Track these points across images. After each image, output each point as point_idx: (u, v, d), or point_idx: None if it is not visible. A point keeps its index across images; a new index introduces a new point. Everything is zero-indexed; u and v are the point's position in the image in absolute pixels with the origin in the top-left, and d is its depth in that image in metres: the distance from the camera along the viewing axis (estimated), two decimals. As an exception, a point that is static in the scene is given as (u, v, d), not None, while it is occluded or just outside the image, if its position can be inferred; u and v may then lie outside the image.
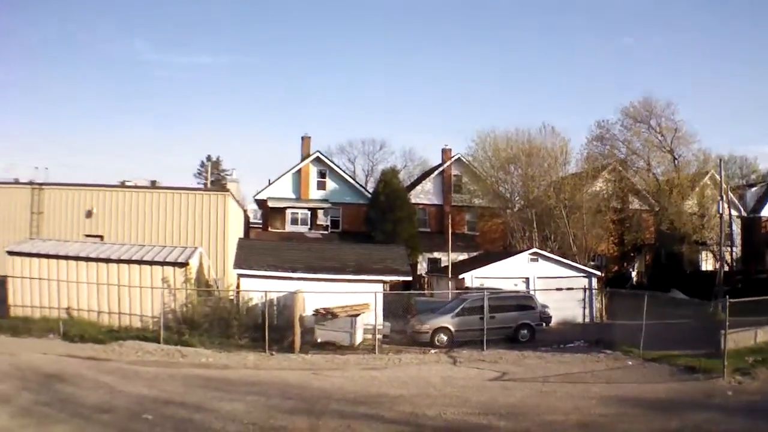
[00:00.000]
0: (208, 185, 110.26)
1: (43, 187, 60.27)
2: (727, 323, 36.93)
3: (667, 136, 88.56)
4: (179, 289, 43.17)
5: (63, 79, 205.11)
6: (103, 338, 39.66)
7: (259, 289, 44.35)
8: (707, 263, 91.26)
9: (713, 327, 39.45)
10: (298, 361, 38.26)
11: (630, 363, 39.82)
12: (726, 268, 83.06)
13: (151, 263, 44.12)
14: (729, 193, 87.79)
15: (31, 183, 61.39)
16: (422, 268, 79.99)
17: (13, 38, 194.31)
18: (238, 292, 45.84)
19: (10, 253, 45.00)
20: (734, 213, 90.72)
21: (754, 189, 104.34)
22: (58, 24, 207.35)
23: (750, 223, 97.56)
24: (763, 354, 38.68)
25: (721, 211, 68.07)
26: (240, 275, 47.01)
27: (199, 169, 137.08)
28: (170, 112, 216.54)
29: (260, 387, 30.46)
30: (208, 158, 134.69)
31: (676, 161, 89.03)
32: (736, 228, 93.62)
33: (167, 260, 44.39)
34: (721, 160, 78.35)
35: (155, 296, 42.62)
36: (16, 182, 64.05)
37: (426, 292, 60.60)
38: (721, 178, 70.81)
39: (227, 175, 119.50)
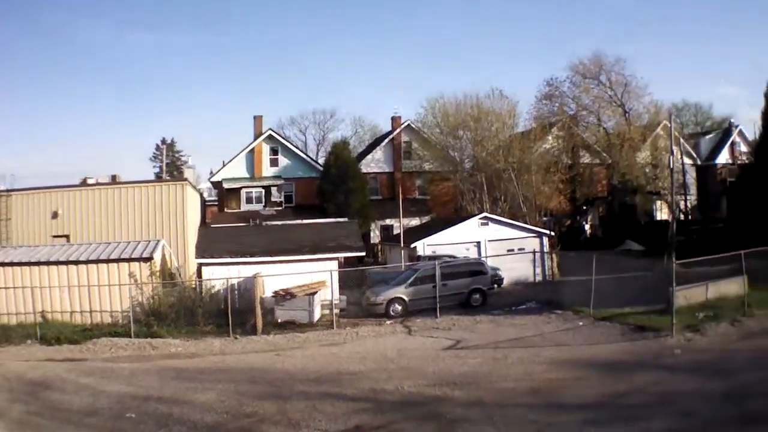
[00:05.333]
0: (164, 168, 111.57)
1: (11, 193, 61.00)
2: (674, 282, 38.04)
3: (617, 90, 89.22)
4: (146, 283, 44.46)
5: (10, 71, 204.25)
6: (78, 338, 40.93)
7: (220, 275, 46.21)
8: (662, 213, 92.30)
9: (666, 281, 39.52)
10: (261, 343, 40.07)
11: (581, 323, 41.03)
12: (681, 218, 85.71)
13: (118, 261, 45.48)
14: (683, 142, 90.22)
15: None
16: (375, 236, 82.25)
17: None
18: (200, 281, 47.06)
19: None
20: (689, 162, 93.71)
21: (708, 137, 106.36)
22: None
23: (705, 171, 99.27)
24: (714, 309, 39.77)
25: (671, 166, 68.21)
26: (201, 264, 48.57)
27: (155, 153, 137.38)
28: (122, 95, 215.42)
29: (229, 374, 31.75)
30: (163, 141, 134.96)
31: (627, 115, 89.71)
32: (691, 176, 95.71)
33: (132, 256, 45.85)
34: (671, 115, 79.06)
35: (123, 292, 43.95)
36: None
37: (379, 267, 61.79)
38: (671, 133, 70.75)
39: (182, 156, 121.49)
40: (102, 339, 40.51)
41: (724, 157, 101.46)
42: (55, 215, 59.83)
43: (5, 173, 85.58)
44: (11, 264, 45.94)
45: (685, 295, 40.65)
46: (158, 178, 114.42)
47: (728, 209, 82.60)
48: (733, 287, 42.53)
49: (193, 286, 47.17)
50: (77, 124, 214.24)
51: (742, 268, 41.33)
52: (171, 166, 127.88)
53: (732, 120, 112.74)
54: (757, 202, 51.05)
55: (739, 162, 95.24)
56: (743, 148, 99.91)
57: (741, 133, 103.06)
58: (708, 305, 40.66)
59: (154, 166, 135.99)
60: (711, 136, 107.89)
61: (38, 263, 45.89)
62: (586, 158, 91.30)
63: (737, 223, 57.09)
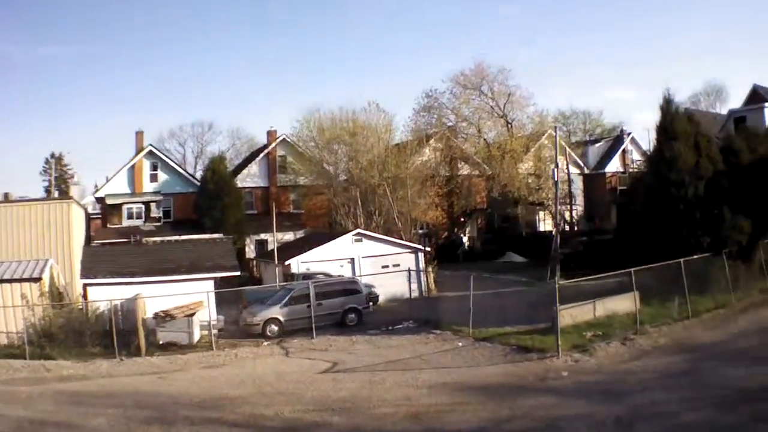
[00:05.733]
0: (53, 182, 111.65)
1: None
2: (558, 301, 38.19)
3: (499, 101, 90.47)
4: (35, 304, 44.33)
5: None
6: None
7: (105, 295, 46.70)
8: (546, 223, 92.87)
9: (551, 298, 39.41)
10: (146, 365, 40.56)
11: (460, 344, 41.45)
12: (567, 228, 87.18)
13: (10, 281, 45.12)
14: (569, 151, 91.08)
15: None
16: (251, 251, 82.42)
17: None
18: (86, 302, 47.33)
19: None
20: (576, 171, 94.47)
21: (597, 145, 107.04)
22: None
23: (594, 180, 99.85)
24: (604, 328, 40.59)
25: (556, 178, 68.72)
26: (86, 284, 48.94)
27: (44, 167, 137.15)
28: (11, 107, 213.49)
29: (117, 398, 32.13)
30: (52, 155, 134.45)
31: (509, 125, 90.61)
32: (578, 186, 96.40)
33: (23, 276, 45.64)
34: (556, 128, 78.34)
35: (17, 313, 44.04)
36: None
37: (255, 286, 61.49)
38: (557, 143, 71.66)
39: (70, 170, 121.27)
40: None
41: (615, 165, 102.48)
42: None
43: None
44: None
45: (572, 314, 40.85)
46: (47, 192, 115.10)
47: (618, 219, 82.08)
48: (623, 304, 43.13)
49: (80, 307, 47.12)
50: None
51: (633, 284, 41.90)
52: (59, 180, 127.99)
53: (624, 128, 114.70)
54: (648, 214, 50.91)
55: (631, 170, 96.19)
56: (636, 156, 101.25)
57: (634, 141, 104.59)
58: (597, 324, 41.35)
59: (43, 180, 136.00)
60: (600, 144, 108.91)
61: None
62: (465, 170, 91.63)
63: (627, 235, 56.63)
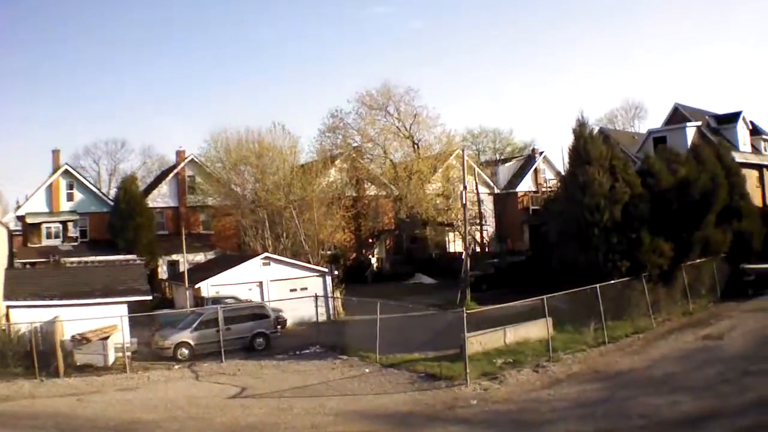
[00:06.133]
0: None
1: None
2: (465, 328, 37.98)
3: (406, 121, 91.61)
4: None
5: None
6: None
7: (27, 317, 46.87)
8: (456, 244, 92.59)
9: (460, 324, 38.73)
10: (64, 387, 41.03)
11: (367, 370, 41.82)
12: (478, 250, 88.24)
13: None
14: (478, 171, 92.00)
15: None
16: (163, 272, 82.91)
17: None
18: (8, 324, 47.40)
19: None
20: (485, 190, 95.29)
21: (508, 164, 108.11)
22: None
23: (504, 200, 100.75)
24: (514, 355, 41.11)
25: (464, 201, 69.45)
26: (9, 306, 48.93)
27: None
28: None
29: (39, 420, 33.00)
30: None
31: (416, 146, 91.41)
32: (489, 206, 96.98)
33: None
34: (464, 150, 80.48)
35: None
36: None
37: (166, 310, 61.31)
38: (464, 168, 72.71)
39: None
40: None
41: (527, 185, 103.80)
42: None
43: None
44: None
45: (481, 341, 41.54)
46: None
47: (531, 240, 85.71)
48: (536, 330, 44.06)
49: (3, 328, 47.38)
50: None
51: (545, 310, 42.37)
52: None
53: (535, 146, 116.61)
54: (562, 238, 52.10)
55: (544, 189, 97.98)
56: (549, 174, 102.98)
57: (546, 160, 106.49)
58: (508, 351, 41.93)
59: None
60: (511, 163, 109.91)
61: None
62: (372, 191, 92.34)
63: (541, 257, 58.13)
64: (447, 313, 50.18)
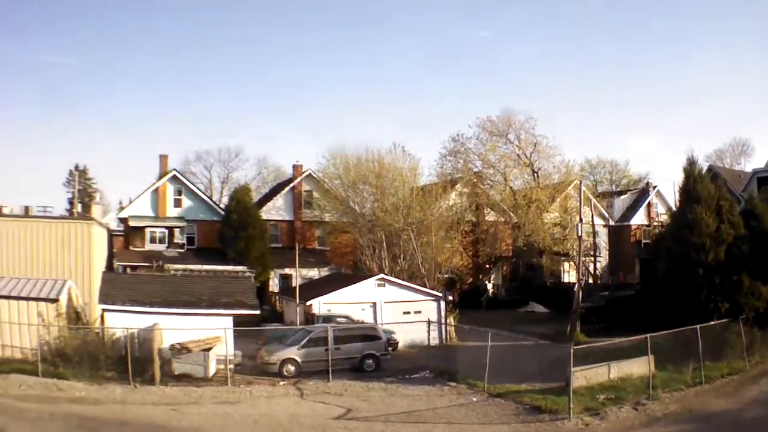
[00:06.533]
0: (76, 195, 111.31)
1: None
2: (572, 363, 37.19)
3: (526, 149, 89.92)
4: (52, 324, 44.24)
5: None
6: None
7: (122, 322, 45.88)
8: (570, 274, 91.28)
9: (567, 356, 37.96)
10: (159, 395, 40.03)
11: (474, 399, 40.64)
12: (590, 281, 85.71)
13: (26, 299, 45.31)
14: (595, 202, 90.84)
15: None
16: (274, 284, 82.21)
17: None
18: (103, 327, 47.13)
19: None
20: (601, 222, 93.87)
21: (623, 196, 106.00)
22: None
23: (619, 232, 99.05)
24: (616, 391, 39.74)
25: (579, 234, 68.31)
26: (104, 310, 48.36)
27: (68, 178, 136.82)
28: (41, 114, 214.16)
29: (129, 428, 32.52)
30: (76, 167, 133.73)
31: (536, 174, 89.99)
32: (603, 237, 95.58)
33: (39, 296, 45.74)
34: (581, 183, 76.52)
35: (32, 330, 43.99)
36: None
37: (275, 325, 60.81)
38: (580, 201, 70.62)
39: (94, 184, 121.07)
40: (12, 375, 40.46)
41: (640, 218, 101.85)
42: None
43: None
44: None
45: (586, 375, 40.33)
46: (70, 204, 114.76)
47: (641, 275, 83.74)
48: (638, 367, 42.40)
49: (97, 331, 47.31)
50: None
51: (648, 348, 40.92)
52: (83, 193, 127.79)
53: (649, 180, 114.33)
54: (669, 276, 51.31)
55: (655, 224, 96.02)
56: (661, 209, 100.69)
57: (659, 194, 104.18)
58: (610, 386, 40.59)
59: (66, 192, 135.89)
60: (626, 196, 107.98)
61: None
62: (491, 216, 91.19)
63: (649, 294, 57.09)
64: (555, 347, 50.32)
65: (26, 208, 68.00)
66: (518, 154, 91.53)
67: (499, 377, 42.47)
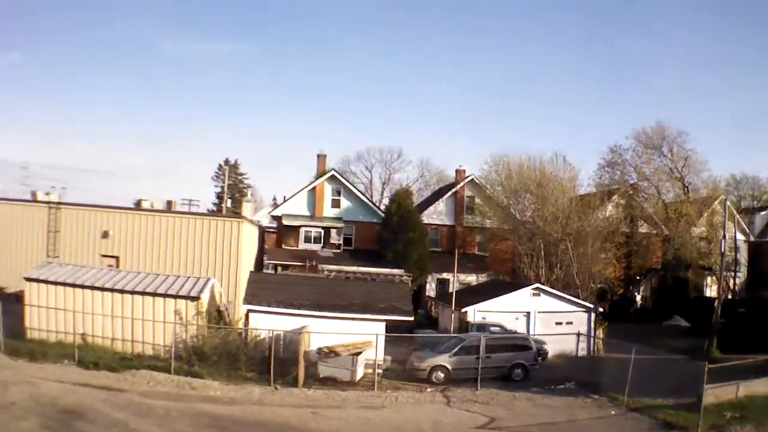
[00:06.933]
0: (225, 189, 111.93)
1: (60, 206, 61.51)
2: (705, 383, 36.40)
3: (678, 163, 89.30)
4: (191, 323, 44.62)
5: (82, 77, 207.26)
6: (117, 366, 40.87)
7: (267, 323, 45.87)
8: (711, 289, 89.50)
9: (701, 373, 37.12)
10: (300, 397, 39.37)
11: (613, 413, 39.96)
12: (729, 296, 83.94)
13: (164, 296, 45.45)
14: (738, 218, 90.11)
15: (48, 203, 62.44)
16: (431, 288, 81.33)
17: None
18: (246, 328, 46.99)
19: (28, 279, 46.39)
20: (742, 238, 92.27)
21: (763, 213, 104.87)
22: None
23: (758, 248, 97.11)
24: (742, 410, 38.42)
25: (722, 250, 67.76)
26: (249, 310, 48.08)
27: (216, 172, 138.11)
28: (187, 109, 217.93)
29: (263, 429, 32.11)
30: (226, 162, 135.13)
31: (686, 188, 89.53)
32: (743, 253, 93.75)
33: (180, 293, 45.75)
34: (725, 199, 77.96)
35: (167, 327, 44.02)
36: (34, 200, 65.23)
37: (427, 332, 61.23)
38: (725, 218, 70.49)
39: (244, 178, 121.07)
40: (141, 371, 40.44)
41: None
42: (105, 235, 60.27)
43: (56, 184, 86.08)
44: (55, 283, 45.99)
45: (716, 393, 39.48)
46: (219, 199, 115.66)
47: None
48: (763, 387, 41.81)
49: (239, 331, 47.20)
50: (133, 134, 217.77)
51: None
52: (233, 187, 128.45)
53: None
54: None
55: None
56: None
57: None
58: (737, 404, 39.73)
59: (215, 186, 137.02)
60: (766, 212, 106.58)
61: (83, 286, 45.92)
62: (643, 228, 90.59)
63: None
64: (691, 363, 48.17)
65: (169, 203, 68.86)
66: (670, 168, 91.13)
67: (639, 391, 41.84)
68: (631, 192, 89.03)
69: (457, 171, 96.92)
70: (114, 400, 34.40)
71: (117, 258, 58.83)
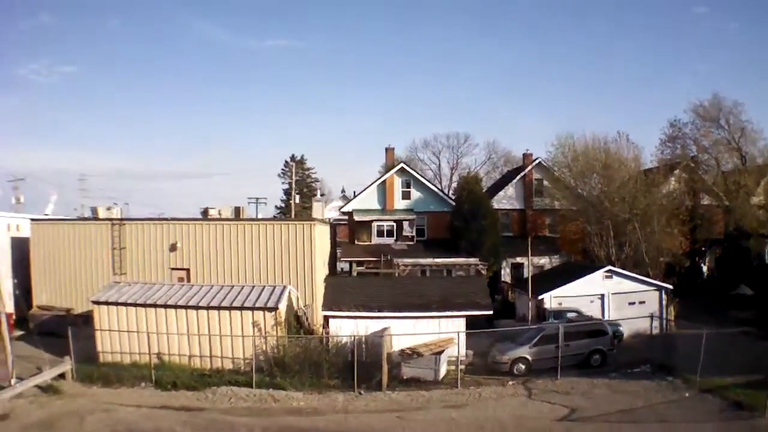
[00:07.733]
0: (293, 186, 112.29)
1: (124, 222, 61.17)
2: None
3: (735, 134, 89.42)
4: (270, 335, 44.15)
5: (145, 75, 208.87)
6: (196, 384, 40.94)
7: (347, 328, 46.14)
8: None
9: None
10: (385, 401, 39.42)
11: (687, 395, 40.33)
12: None
13: (242, 308, 44.76)
14: None
15: (110, 219, 62.17)
16: (506, 274, 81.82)
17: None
18: (327, 336, 46.53)
19: (96, 302, 46.11)
20: None
21: None
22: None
23: None
24: None
25: None
26: (328, 316, 48.18)
27: (283, 169, 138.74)
28: (251, 106, 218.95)
29: None
30: (292, 158, 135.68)
31: (743, 159, 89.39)
32: None
33: (257, 305, 44.92)
34: None
35: (246, 340, 43.78)
36: (95, 218, 64.94)
37: (507, 324, 60.74)
38: None
39: (312, 173, 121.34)
40: (221, 387, 40.48)
41: None
42: (173, 248, 59.72)
43: (119, 198, 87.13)
44: (124, 304, 45.71)
45: None
46: (287, 195, 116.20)
47: None
48: None
49: (321, 338, 46.40)
50: (200, 130, 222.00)
51: None
52: (300, 183, 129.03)
53: None
54: None
55: None
56: None
57: None
58: None
59: (282, 183, 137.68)
60: None
61: (155, 306, 45.49)
62: (705, 200, 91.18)
63: None
64: (759, 339, 49.64)
65: (237, 210, 67.88)
66: (728, 139, 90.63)
67: (710, 370, 41.59)
68: (692, 165, 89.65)
69: (524, 155, 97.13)
70: (194, 421, 34.84)
71: (187, 270, 58.43)
